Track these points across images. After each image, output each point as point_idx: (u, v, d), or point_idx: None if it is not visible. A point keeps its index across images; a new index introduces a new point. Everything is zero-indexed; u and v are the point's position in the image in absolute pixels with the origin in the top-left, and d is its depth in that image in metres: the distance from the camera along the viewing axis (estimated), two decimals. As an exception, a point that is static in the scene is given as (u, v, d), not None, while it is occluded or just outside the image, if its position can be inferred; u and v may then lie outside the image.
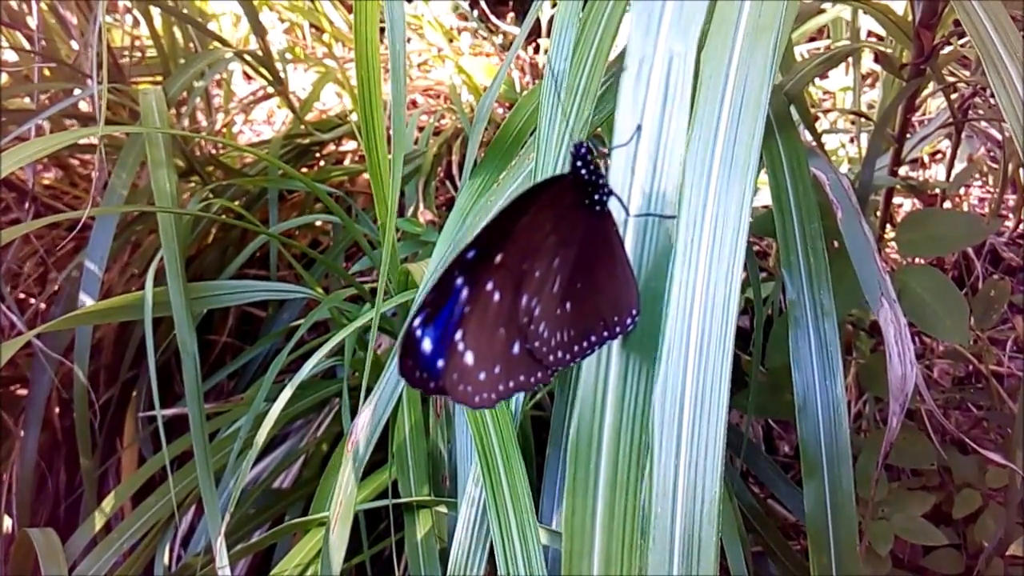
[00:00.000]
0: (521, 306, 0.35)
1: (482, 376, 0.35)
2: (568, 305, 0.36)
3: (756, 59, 0.37)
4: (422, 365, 0.34)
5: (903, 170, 0.87)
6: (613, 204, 0.38)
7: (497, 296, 0.34)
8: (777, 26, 0.37)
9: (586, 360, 0.38)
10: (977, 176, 1.05)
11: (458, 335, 0.33)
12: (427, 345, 0.33)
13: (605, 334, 0.37)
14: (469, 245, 0.33)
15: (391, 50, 0.51)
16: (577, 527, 0.36)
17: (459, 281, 0.33)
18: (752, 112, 0.36)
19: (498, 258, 0.34)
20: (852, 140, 1.04)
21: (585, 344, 0.37)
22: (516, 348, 0.35)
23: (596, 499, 0.36)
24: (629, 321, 0.37)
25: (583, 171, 0.37)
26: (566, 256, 0.36)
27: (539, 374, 0.36)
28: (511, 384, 0.36)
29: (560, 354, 0.36)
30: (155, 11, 1.02)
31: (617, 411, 0.37)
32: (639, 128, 0.39)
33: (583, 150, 0.37)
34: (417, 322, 0.33)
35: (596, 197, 0.37)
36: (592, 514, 0.36)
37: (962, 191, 1.06)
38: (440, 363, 0.34)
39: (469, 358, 0.34)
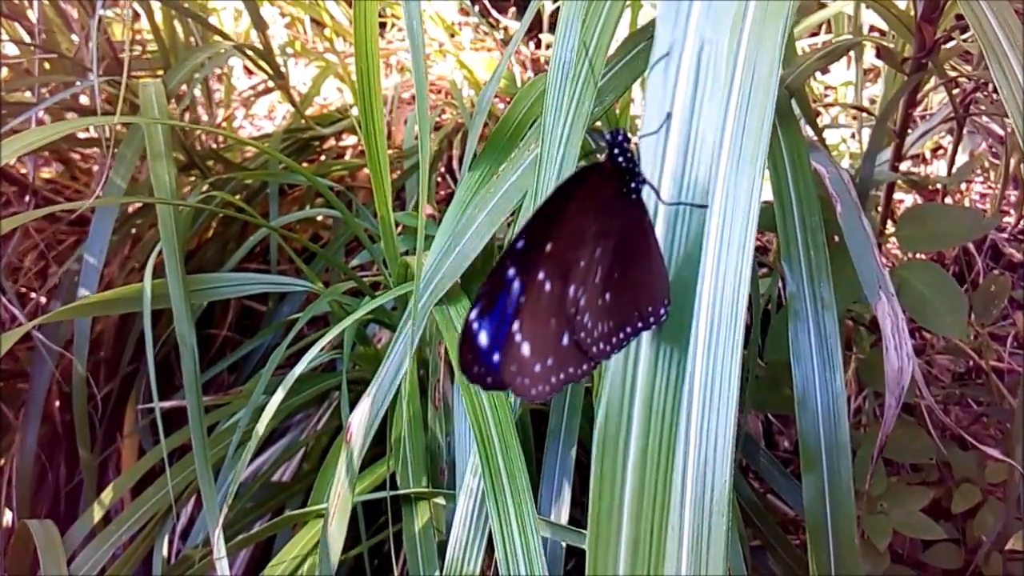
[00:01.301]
0: (569, 296, 0.34)
1: (538, 368, 0.34)
2: (608, 295, 0.36)
3: (765, 47, 0.36)
4: (481, 359, 0.33)
5: (904, 165, 0.87)
6: (646, 193, 0.37)
7: (548, 286, 0.34)
8: (786, 14, 0.37)
9: None
10: (978, 172, 1.04)
11: (515, 326, 0.33)
12: (484, 339, 0.33)
13: (640, 324, 0.36)
14: (518, 235, 0.33)
15: (411, 46, 0.51)
16: (604, 516, 0.36)
17: (511, 272, 0.33)
18: (761, 101, 0.35)
19: (548, 247, 0.33)
20: (853, 135, 1.04)
21: (622, 335, 0.36)
22: (565, 339, 0.35)
23: (624, 489, 0.36)
24: (663, 311, 0.36)
25: (620, 159, 0.36)
26: (606, 245, 0.36)
27: (584, 366, 0.36)
28: (562, 376, 0.35)
29: (602, 345, 0.36)
30: (156, 5, 1.02)
31: (647, 404, 0.36)
32: (669, 115, 0.38)
33: (620, 137, 0.36)
34: (474, 314, 0.33)
35: (632, 185, 0.37)
36: (620, 504, 0.36)
37: (963, 187, 1.06)
38: (496, 356, 0.33)
39: (526, 349, 0.33)
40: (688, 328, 0.35)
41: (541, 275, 0.33)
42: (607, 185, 0.36)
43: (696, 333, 0.34)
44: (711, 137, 0.37)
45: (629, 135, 0.36)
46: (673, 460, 0.35)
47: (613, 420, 0.37)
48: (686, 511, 0.33)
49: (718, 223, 0.34)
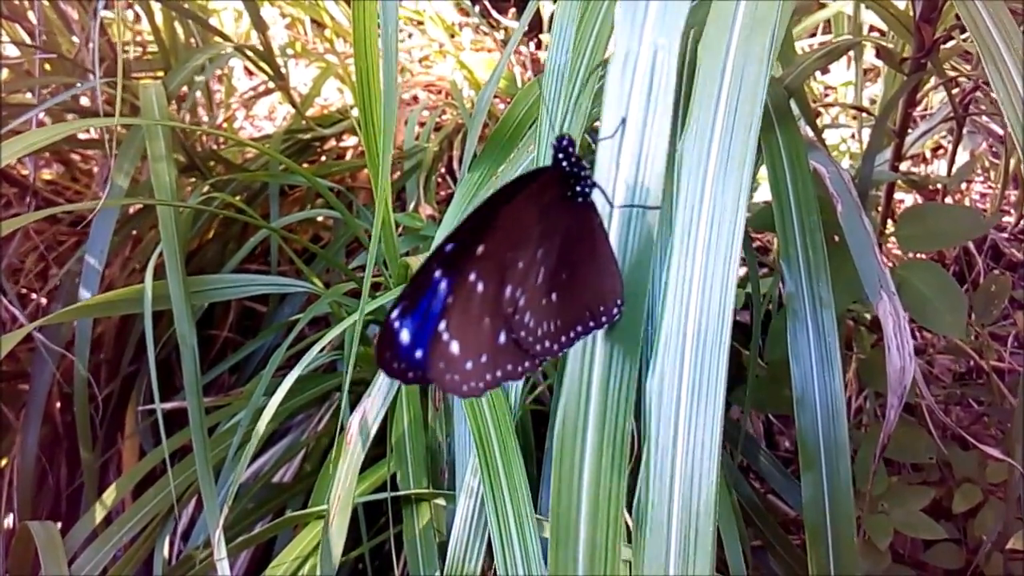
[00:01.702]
0: (505, 296, 0.35)
1: (469, 365, 0.35)
2: (553, 296, 0.37)
3: (753, 53, 0.37)
4: (401, 356, 0.34)
5: (904, 165, 0.87)
6: (597, 196, 0.38)
7: (480, 287, 0.35)
8: (774, 20, 0.37)
9: (572, 350, 0.38)
10: (979, 171, 1.04)
11: (442, 325, 0.34)
12: (405, 336, 0.34)
13: (591, 324, 0.37)
14: (447, 238, 0.34)
15: (383, 35, 0.51)
16: (563, 515, 0.37)
17: (437, 273, 0.34)
18: (748, 107, 0.36)
19: (480, 249, 0.34)
20: (853, 135, 1.04)
21: (572, 334, 0.37)
22: (502, 338, 0.36)
23: (581, 486, 0.37)
24: (615, 311, 0.37)
25: (564, 163, 0.37)
26: (550, 247, 0.36)
27: (526, 363, 0.37)
28: (498, 373, 0.36)
29: (547, 344, 0.37)
30: (156, 6, 1.02)
31: (601, 400, 0.37)
32: (623, 121, 0.39)
33: (564, 142, 0.37)
34: (395, 314, 0.34)
35: (579, 189, 0.37)
36: (578, 502, 0.37)
37: (963, 186, 1.06)
38: (419, 353, 0.34)
39: (455, 347, 0.34)
40: (640, 328, 0.36)
41: (472, 276, 0.34)
42: (552, 189, 0.37)
43: (683, 336, 0.35)
44: (664, 142, 0.38)
45: (575, 139, 0.37)
46: (626, 458, 0.36)
47: (571, 418, 0.38)
48: (674, 512, 0.33)
49: (706, 227, 0.35)
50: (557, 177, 0.37)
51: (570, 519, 0.36)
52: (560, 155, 0.37)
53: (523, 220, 0.36)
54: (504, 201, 0.35)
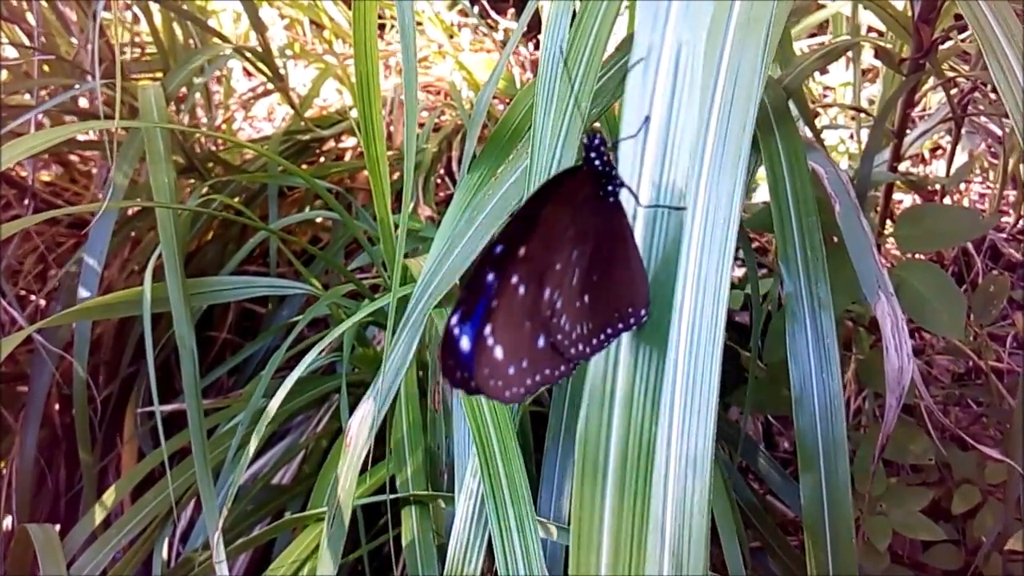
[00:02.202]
0: (544, 299, 0.35)
1: (511, 370, 0.34)
2: (586, 298, 0.36)
3: (748, 51, 0.36)
4: (462, 364, 0.33)
5: (903, 166, 0.87)
6: (624, 196, 0.38)
7: (522, 289, 0.34)
8: (769, 18, 0.37)
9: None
10: (977, 172, 1.04)
11: (487, 329, 0.33)
12: (465, 344, 0.33)
13: (620, 326, 0.37)
14: (496, 240, 0.33)
15: (403, 48, 0.51)
16: (585, 521, 0.36)
17: (490, 277, 0.33)
18: (743, 104, 0.36)
19: (521, 251, 0.34)
20: (852, 136, 1.04)
21: (603, 336, 0.37)
22: (541, 341, 0.35)
23: (605, 493, 0.36)
24: (643, 313, 0.37)
25: (596, 162, 0.36)
26: (583, 248, 0.36)
27: (562, 367, 0.36)
28: (537, 378, 0.35)
29: (581, 347, 0.36)
30: (155, 7, 1.02)
31: (627, 404, 0.37)
32: (647, 119, 0.39)
33: (596, 140, 0.36)
34: (454, 320, 0.33)
35: (609, 188, 0.37)
36: (600, 509, 0.36)
37: (962, 187, 1.06)
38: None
39: (499, 352, 0.34)
40: (666, 329, 0.35)
41: (515, 279, 0.34)
42: (584, 188, 0.37)
43: (677, 335, 0.34)
44: (689, 140, 0.37)
45: (606, 138, 0.37)
46: (653, 460, 0.35)
47: (594, 421, 0.37)
48: (667, 512, 0.33)
49: (700, 225, 0.35)
50: (589, 176, 0.37)
51: (592, 530, 0.36)
52: (591, 153, 0.36)
53: (559, 220, 0.35)
54: (542, 201, 0.34)
